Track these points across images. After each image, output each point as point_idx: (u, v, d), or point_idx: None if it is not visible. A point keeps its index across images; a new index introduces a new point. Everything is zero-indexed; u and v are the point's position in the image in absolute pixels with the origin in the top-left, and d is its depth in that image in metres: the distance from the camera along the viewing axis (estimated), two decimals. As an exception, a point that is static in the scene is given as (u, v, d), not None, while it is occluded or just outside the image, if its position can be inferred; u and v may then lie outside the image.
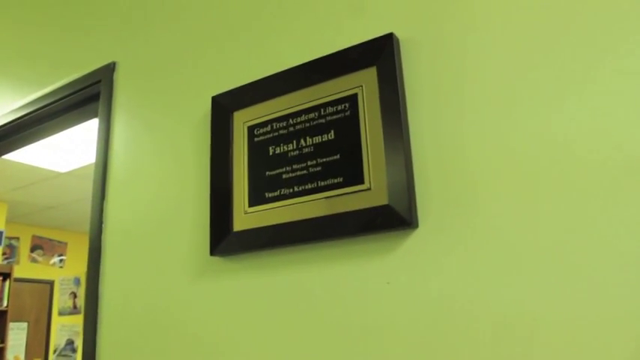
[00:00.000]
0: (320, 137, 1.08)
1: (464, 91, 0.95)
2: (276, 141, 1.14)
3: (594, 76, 0.84)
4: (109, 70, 1.59)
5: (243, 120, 1.21)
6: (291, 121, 1.13)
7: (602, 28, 0.85)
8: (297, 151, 1.11)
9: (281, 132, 1.14)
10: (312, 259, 1.05)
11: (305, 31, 1.19)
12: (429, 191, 0.95)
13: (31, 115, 1.81)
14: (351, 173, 1.02)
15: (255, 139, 1.18)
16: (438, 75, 0.99)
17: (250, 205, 1.14)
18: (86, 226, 1.56)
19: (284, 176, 1.11)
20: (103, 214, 1.47)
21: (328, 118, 1.08)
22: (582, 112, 0.84)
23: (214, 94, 1.28)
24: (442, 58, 0.99)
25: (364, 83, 1.05)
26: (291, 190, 1.09)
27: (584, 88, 0.85)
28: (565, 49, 0.88)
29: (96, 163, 1.54)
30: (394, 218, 0.94)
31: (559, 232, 0.82)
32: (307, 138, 1.10)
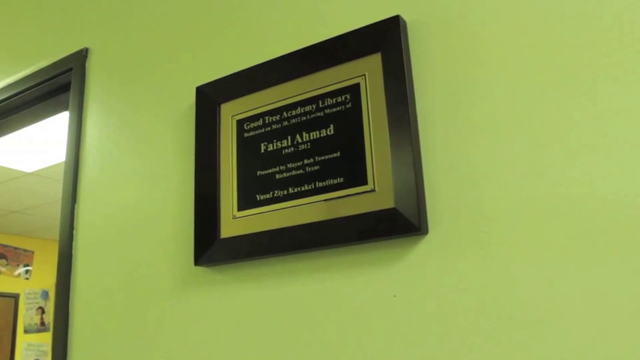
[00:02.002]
0: (318, 132, 1.08)
1: (480, 80, 0.95)
2: (269, 137, 1.14)
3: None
4: (81, 56, 1.59)
5: (231, 113, 1.21)
6: (285, 114, 1.13)
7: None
8: (293, 148, 1.11)
9: (274, 126, 1.14)
10: (309, 270, 1.05)
11: (301, 13, 1.19)
12: (441, 193, 0.95)
13: (-7, 107, 1.81)
14: (353, 173, 1.02)
15: (245, 134, 1.18)
16: (451, 62, 0.99)
17: (239, 209, 1.14)
18: (55, 233, 1.55)
19: (277, 176, 1.11)
20: (75, 219, 1.47)
21: (327, 110, 1.08)
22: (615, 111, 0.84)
23: (199, 85, 1.28)
24: (455, 43, 0.99)
25: (367, 72, 1.05)
26: (286, 192, 1.09)
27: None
28: (588, 38, 0.88)
29: (66, 162, 1.53)
30: (401, 223, 0.94)
31: (581, 243, 0.82)
32: (303, 133, 1.10)
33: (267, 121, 1.16)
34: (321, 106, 1.09)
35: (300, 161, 1.09)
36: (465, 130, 0.95)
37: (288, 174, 1.10)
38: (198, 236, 1.17)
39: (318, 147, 1.07)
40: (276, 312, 1.07)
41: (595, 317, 0.80)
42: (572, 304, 0.81)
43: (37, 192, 4.72)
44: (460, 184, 0.93)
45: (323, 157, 1.06)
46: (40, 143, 3.67)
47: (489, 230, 0.89)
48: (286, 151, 1.11)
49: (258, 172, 1.14)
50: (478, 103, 0.95)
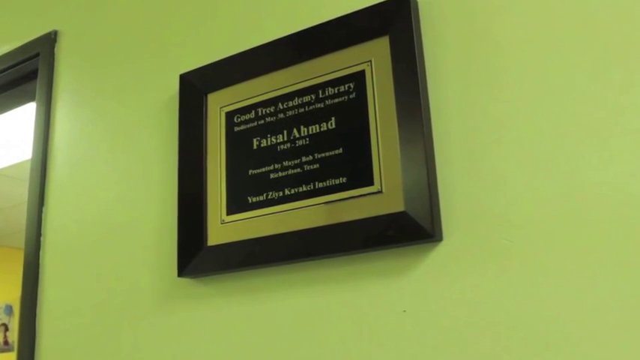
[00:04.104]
0: (317, 126, 1.08)
1: (500, 66, 0.95)
2: (262, 131, 1.14)
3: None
4: (49, 40, 1.59)
5: (219, 104, 1.21)
6: (280, 105, 1.13)
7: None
8: (289, 144, 1.11)
9: (268, 119, 1.14)
10: (308, 282, 1.05)
11: (298, -9, 1.19)
12: (457, 195, 0.95)
13: (-51, 98, 1.81)
14: (357, 172, 1.02)
15: (235, 128, 1.18)
16: (468, 46, 0.99)
17: (229, 213, 1.14)
18: (20, 240, 1.55)
19: (272, 176, 1.11)
20: (42, 225, 1.47)
21: (328, 101, 1.08)
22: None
23: (183, 72, 1.28)
24: (472, 24, 0.99)
25: (373, 57, 1.05)
26: (281, 194, 1.09)
27: None
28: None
29: (32, 160, 1.53)
30: (412, 229, 0.94)
31: (618, 252, 0.82)
32: (301, 127, 1.10)
33: (260, 114, 1.16)
34: (321, 96, 1.09)
35: (297, 159, 1.09)
36: (484, 124, 0.95)
37: (283, 173, 1.10)
38: (182, 244, 1.17)
39: (318, 143, 1.07)
40: (271, 329, 1.07)
41: (635, 337, 0.80)
42: (607, 322, 0.81)
43: (0, 193, 4.72)
44: (479, 184, 0.93)
45: (323, 154, 1.06)
46: (3, 138, 3.66)
47: (512, 237, 0.89)
48: (282, 147, 1.11)
49: (250, 171, 1.14)
50: (499, 92, 0.95)
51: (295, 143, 1.10)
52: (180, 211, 1.20)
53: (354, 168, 1.02)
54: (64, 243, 1.42)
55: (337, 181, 1.04)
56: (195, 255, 1.15)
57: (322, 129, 1.08)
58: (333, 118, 1.07)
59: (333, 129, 1.07)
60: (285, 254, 1.06)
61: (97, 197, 1.39)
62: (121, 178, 1.36)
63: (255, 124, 1.16)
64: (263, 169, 1.12)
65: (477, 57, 0.98)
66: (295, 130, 1.11)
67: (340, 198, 1.03)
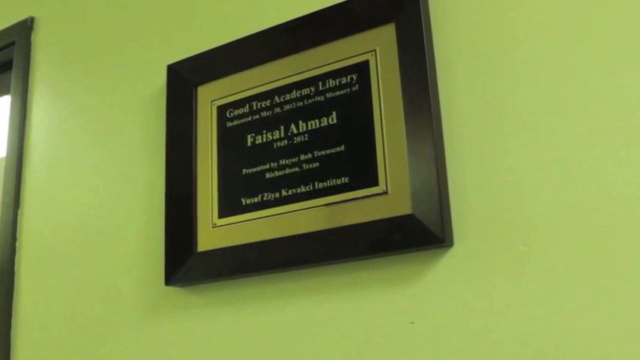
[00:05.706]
0: (317, 121, 1.08)
1: (517, 57, 0.95)
2: (257, 126, 1.14)
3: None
4: (25, 28, 1.59)
5: (210, 98, 1.21)
6: (277, 99, 1.13)
7: None
8: (286, 141, 1.10)
9: (263, 114, 1.14)
10: (307, 291, 1.05)
11: (296, -26, 1.19)
12: (469, 196, 0.95)
13: None
14: (361, 171, 1.02)
15: (228, 123, 1.18)
16: (481, 35, 0.99)
17: (221, 216, 1.14)
18: (-7, 245, 1.55)
19: (267, 175, 1.11)
20: (17, 229, 1.46)
21: (329, 94, 1.08)
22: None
23: (171, 62, 1.28)
24: (486, 10, 0.99)
25: (378, 46, 1.05)
26: (278, 195, 1.09)
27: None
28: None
29: (6, 158, 1.53)
30: (420, 233, 0.94)
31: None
32: (300, 122, 1.10)
33: (254, 108, 1.15)
34: (321, 88, 1.09)
35: (295, 157, 1.09)
36: (499, 120, 0.95)
37: (280, 172, 1.10)
38: (170, 249, 1.17)
39: (318, 139, 1.07)
40: (266, 342, 1.07)
41: (659, 349, 0.79)
42: (634, 336, 0.81)
43: (-28, 195, 4.71)
44: (493, 185, 0.93)
45: (324, 152, 1.06)
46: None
47: (529, 242, 0.89)
48: (278, 144, 1.11)
49: (244, 171, 1.13)
50: (515, 86, 0.95)
51: (293, 140, 1.10)
52: (167, 214, 1.20)
53: (357, 167, 1.02)
54: (41, 248, 1.42)
55: (339, 182, 1.03)
56: (184, 262, 1.15)
57: (322, 124, 1.08)
58: (334, 113, 1.07)
59: (334, 124, 1.06)
60: (282, 261, 1.05)
61: (77, 199, 1.39)
62: (103, 177, 1.36)
63: (250, 119, 1.15)
64: (258, 168, 1.12)
65: (492, 47, 0.98)
66: (293, 126, 1.10)
67: (342, 199, 1.02)
